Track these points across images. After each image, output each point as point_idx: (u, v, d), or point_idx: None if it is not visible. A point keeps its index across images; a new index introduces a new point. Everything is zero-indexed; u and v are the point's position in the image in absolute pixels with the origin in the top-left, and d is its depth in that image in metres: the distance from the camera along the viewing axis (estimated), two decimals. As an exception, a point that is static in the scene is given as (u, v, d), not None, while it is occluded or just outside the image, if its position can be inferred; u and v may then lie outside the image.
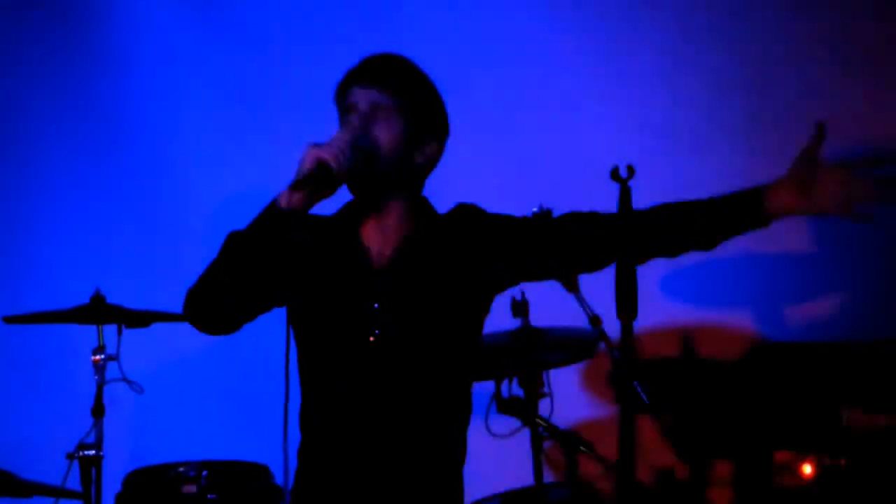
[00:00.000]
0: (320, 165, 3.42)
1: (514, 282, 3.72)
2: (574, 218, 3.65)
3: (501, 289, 3.70)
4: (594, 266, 3.69)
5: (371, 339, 3.57)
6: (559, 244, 3.63)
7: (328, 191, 3.47)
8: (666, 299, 5.74)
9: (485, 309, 3.69)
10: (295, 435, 3.67)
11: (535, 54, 5.98)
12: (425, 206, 3.70)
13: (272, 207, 3.46)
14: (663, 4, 5.91)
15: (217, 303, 3.50)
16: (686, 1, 5.91)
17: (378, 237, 3.63)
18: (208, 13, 6.18)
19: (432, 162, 3.65)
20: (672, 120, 5.87)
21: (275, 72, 6.04)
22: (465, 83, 5.87)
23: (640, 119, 5.87)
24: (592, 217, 3.64)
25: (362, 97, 3.58)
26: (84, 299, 4.96)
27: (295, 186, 3.42)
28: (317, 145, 3.45)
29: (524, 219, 3.71)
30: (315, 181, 3.43)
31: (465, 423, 3.67)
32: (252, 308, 3.56)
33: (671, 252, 3.61)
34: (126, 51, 6.16)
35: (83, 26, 6.17)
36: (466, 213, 3.69)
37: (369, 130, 3.55)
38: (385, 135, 3.56)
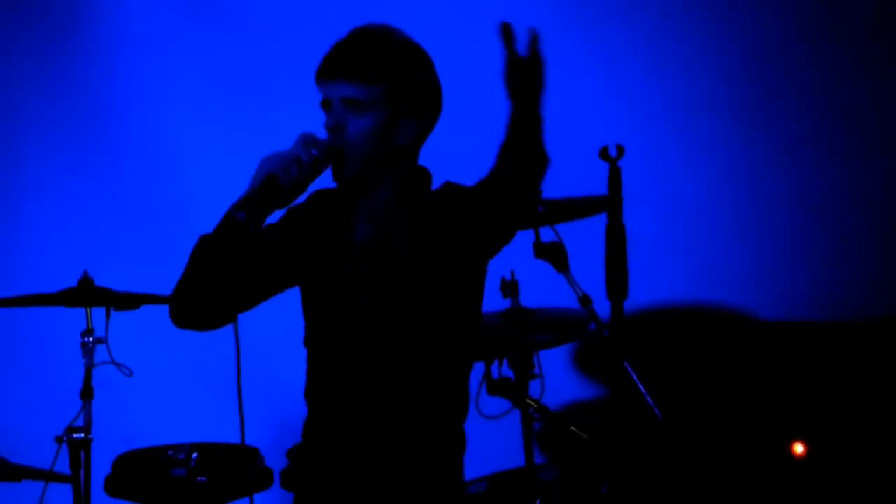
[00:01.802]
0: (270, 178, 3.40)
1: (500, 241, 3.69)
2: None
3: (490, 252, 3.67)
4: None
5: (369, 322, 3.56)
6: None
7: (283, 201, 3.45)
8: (656, 279, 5.74)
9: (478, 278, 3.65)
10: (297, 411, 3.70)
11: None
12: (419, 182, 3.66)
13: (229, 217, 3.43)
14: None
15: (196, 306, 3.47)
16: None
17: (367, 220, 3.61)
18: (201, 3, 6.16)
19: (418, 139, 3.59)
20: (662, 100, 5.87)
21: (267, 62, 6.03)
22: (456, 64, 5.85)
23: (630, 98, 5.87)
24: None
25: (332, 92, 3.51)
26: (72, 282, 4.94)
27: (240, 205, 3.40)
28: (268, 158, 3.43)
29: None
30: (264, 195, 3.40)
31: (464, 391, 3.67)
32: (238, 303, 3.53)
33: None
34: (116, 38, 6.14)
35: (72, 13, 6.15)
36: (451, 191, 3.66)
37: (343, 128, 3.51)
38: (356, 130, 3.50)
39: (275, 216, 3.57)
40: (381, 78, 3.49)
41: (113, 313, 4.93)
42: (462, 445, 3.64)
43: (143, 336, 5.38)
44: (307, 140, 3.47)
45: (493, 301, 4.85)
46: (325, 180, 3.58)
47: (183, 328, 3.54)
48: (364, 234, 3.60)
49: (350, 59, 3.50)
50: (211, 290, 3.44)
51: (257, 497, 5.01)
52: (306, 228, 3.62)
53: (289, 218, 3.64)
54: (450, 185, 3.65)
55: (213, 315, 3.50)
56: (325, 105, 3.54)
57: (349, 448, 3.57)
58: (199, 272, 3.44)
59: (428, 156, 3.66)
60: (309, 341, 3.66)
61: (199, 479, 4.78)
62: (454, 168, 3.73)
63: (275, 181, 3.40)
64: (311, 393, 3.65)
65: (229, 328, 3.70)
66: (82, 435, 4.80)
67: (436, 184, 3.67)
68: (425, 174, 3.65)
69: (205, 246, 3.45)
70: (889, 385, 5.19)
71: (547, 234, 4.77)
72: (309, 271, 3.61)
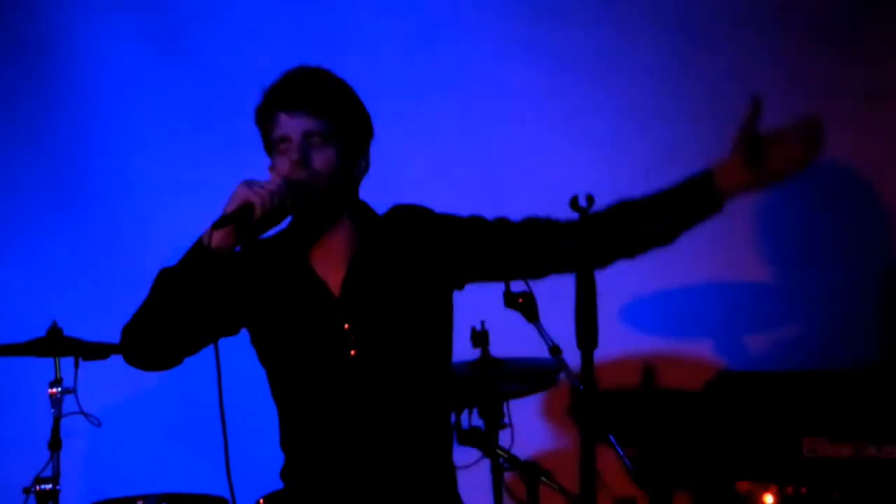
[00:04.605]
0: (246, 206, 3.40)
1: (471, 278, 3.66)
2: (534, 223, 3.60)
3: (459, 286, 3.66)
4: (554, 269, 3.60)
5: (345, 359, 3.55)
6: (519, 247, 3.58)
7: (254, 232, 3.45)
8: (627, 329, 5.74)
9: (447, 304, 3.65)
10: (272, 458, 3.69)
11: (496, 83, 5.98)
12: (365, 213, 3.66)
13: (199, 246, 3.43)
14: (628, 32, 5.93)
15: (151, 342, 3.48)
16: (653, 27, 5.92)
17: (328, 261, 3.61)
18: (168, 46, 6.16)
19: (366, 170, 3.64)
20: (631, 148, 5.88)
21: (236, 103, 6.00)
22: (428, 112, 5.88)
23: (601, 147, 5.88)
24: (551, 223, 3.58)
25: (293, 127, 3.53)
26: (41, 332, 4.92)
27: (217, 225, 3.40)
28: (248, 184, 3.43)
29: (478, 218, 3.65)
30: (238, 221, 3.40)
31: (448, 424, 3.68)
32: (190, 344, 3.53)
33: (631, 251, 3.51)
34: (86, 82, 6.15)
35: (42, 59, 6.15)
36: (411, 215, 3.65)
37: (307, 161, 3.51)
38: (321, 163, 3.52)
39: None
40: (340, 112, 3.53)
41: (82, 363, 4.91)
42: (452, 477, 3.64)
43: (112, 386, 5.36)
44: (283, 180, 3.48)
45: (463, 351, 4.84)
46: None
47: (132, 363, 3.53)
48: (329, 276, 3.59)
49: (311, 93, 3.52)
50: (170, 323, 3.43)
51: (226, 546, 4.99)
52: (256, 279, 3.61)
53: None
54: (406, 209, 3.66)
55: (165, 352, 3.49)
56: (284, 140, 3.54)
57: (339, 481, 3.55)
58: (161, 303, 3.44)
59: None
60: (279, 394, 3.65)
61: (167, 529, 4.76)
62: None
63: (251, 210, 3.40)
64: (287, 443, 3.64)
65: (210, 370, 3.69)
66: (50, 486, 4.77)
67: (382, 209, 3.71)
68: (365, 206, 3.67)
69: (169, 277, 3.45)
70: (859, 435, 5.20)
71: (517, 284, 4.78)
72: (273, 323, 3.60)
